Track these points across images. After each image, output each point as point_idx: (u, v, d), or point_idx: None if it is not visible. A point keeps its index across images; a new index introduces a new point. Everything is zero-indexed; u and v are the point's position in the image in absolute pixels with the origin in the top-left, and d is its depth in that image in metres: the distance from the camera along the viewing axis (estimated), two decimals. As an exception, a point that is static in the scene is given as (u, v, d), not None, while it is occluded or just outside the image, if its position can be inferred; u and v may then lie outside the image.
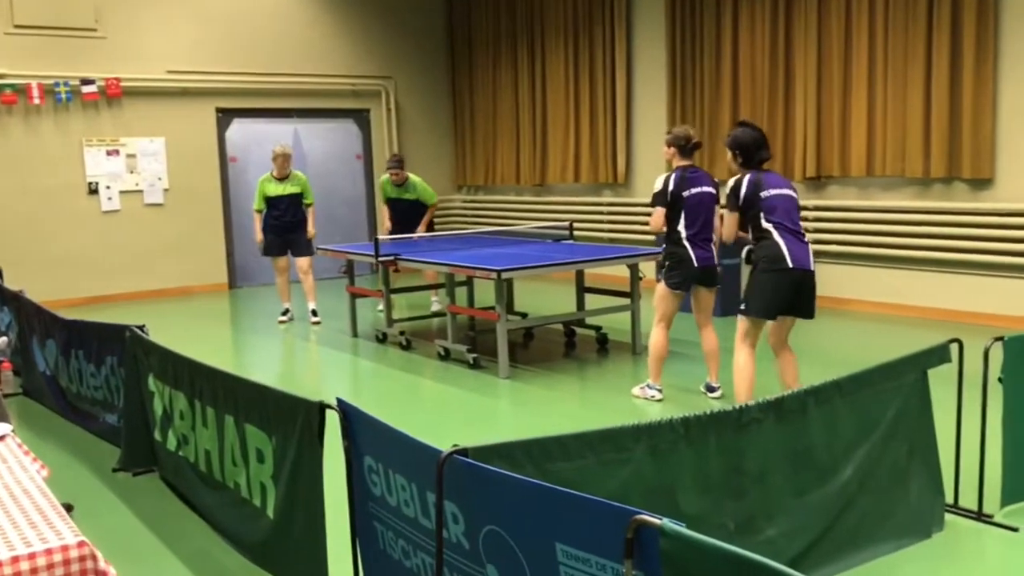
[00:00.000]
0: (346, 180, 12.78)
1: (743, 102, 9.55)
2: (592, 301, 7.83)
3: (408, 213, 9.37)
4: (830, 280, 9.04)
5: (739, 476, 3.16)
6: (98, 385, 5.32)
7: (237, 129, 12.08)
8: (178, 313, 10.25)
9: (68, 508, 4.21)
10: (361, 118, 13.02)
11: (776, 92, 9.24)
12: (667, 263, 5.73)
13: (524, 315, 8.19)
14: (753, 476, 3.20)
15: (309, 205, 9.08)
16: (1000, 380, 3.78)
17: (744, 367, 4.92)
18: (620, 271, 7.56)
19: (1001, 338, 3.77)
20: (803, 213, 8.89)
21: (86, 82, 10.75)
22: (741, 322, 4.95)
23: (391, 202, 9.44)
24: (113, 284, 11.10)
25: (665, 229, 5.72)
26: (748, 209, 4.90)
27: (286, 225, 8.97)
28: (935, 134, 7.94)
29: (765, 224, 4.82)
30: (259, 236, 9.05)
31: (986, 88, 7.65)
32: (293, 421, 3.19)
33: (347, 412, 2.95)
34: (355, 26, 12.76)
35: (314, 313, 9.07)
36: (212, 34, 11.64)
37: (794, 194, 5.00)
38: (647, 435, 2.91)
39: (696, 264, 5.63)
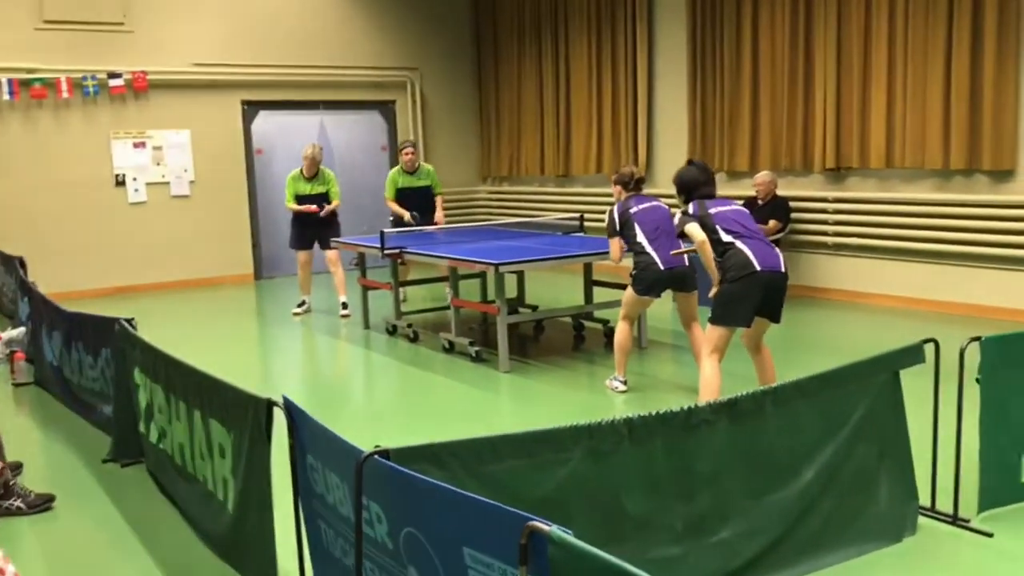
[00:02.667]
0: (371, 171, 12.81)
1: (763, 92, 9.40)
2: (601, 294, 7.78)
3: (423, 200, 9.32)
4: (849, 273, 8.89)
5: (689, 477, 3.12)
6: (96, 376, 5.42)
7: (263, 121, 12.19)
8: (201, 303, 10.40)
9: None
10: (387, 109, 13.07)
11: (796, 83, 9.08)
12: (634, 271, 5.80)
13: (535, 308, 8.16)
14: (704, 477, 3.15)
15: (336, 202, 9.16)
16: (977, 381, 3.68)
17: (712, 379, 4.88)
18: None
19: (978, 338, 3.67)
20: (823, 205, 8.96)
21: (113, 76, 10.94)
22: (711, 331, 4.91)
23: (402, 192, 9.30)
24: (140, 275, 11.30)
25: (627, 252, 5.89)
26: (702, 227, 4.91)
27: (314, 219, 9.05)
28: (955, 125, 7.74)
29: (726, 238, 4.86)
30: (303, 208, 9.00)
31: (1008, 78, 7.43)
32: (245, 417, 3.21)
33: (291, 410, 2.97)
34: (381, 17, 12.79)
35: (344, 306, 9.08)
36: (237, 27, 11.75)
37: (741, 207, 5.08)
38: (587, 436, 2.89)
39: (663, 267, 5.65)
